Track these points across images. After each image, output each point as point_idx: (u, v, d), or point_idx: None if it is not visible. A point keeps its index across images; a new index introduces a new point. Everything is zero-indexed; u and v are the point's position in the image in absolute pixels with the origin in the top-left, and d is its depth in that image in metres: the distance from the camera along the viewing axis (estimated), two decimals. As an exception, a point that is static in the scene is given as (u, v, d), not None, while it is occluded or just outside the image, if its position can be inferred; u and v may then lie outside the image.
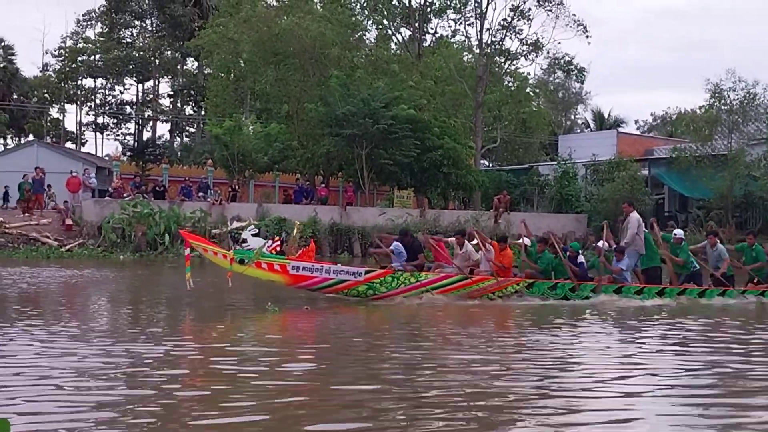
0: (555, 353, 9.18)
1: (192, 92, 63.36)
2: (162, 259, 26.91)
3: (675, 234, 16.13)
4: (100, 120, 67.74)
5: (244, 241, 14.00)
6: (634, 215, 16.15)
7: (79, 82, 65.76)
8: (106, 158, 47.83)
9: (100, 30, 65.58)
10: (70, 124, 68.77)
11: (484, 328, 11.60)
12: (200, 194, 33.11)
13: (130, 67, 63.65)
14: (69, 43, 65.50)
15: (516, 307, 13.92)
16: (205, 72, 56.79)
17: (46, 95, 65.12)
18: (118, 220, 28.26)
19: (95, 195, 32.88)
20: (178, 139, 66.90)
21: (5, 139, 64.33)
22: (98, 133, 68.07)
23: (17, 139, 63.20)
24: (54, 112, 65.95)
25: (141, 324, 11.46)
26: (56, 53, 65.86)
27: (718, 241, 16.41)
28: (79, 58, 64.11)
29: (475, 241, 15.88)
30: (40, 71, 66.22)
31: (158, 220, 28.55)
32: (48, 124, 63.30)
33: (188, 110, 67.27)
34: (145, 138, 62.87)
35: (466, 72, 45.59)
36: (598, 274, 15.57)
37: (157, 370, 7.55)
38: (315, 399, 6.48)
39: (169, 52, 64.43)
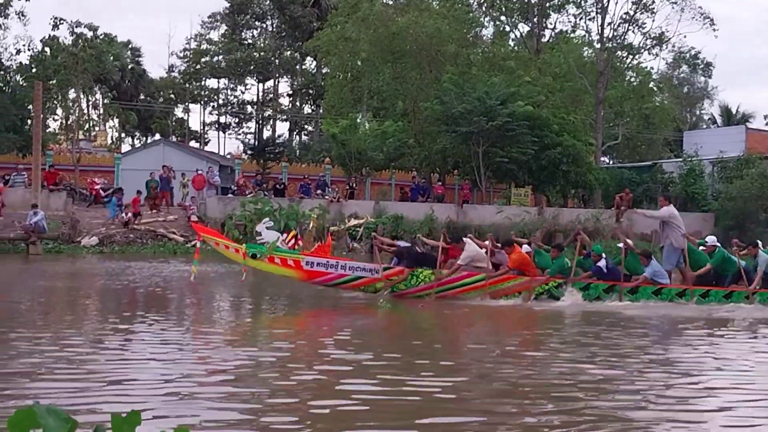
0: (705, 368, 8.30)
1: (310, 91, 64.34)
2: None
3: (707, 241, 15.36)
4: (222, 119, 69.67)
5: (259, 234, 13.87)
6: (667, 208, 15.55)
7: (203, 82, 67.79)
8: (228, 156, 49.21)
9: (223, 32, 67.42)
10: (194, 124, 71.16)
11: (599, 336, 10.87)
12: (318, 192, 33.60)
13: (251, 67, 65.14)
14: (193, 45, 67.69)
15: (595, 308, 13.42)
16: (323, 71, 57.56)
17: (172, 95, 67.39)
18: (240, 217, 28.97)
19: (218, 192, 33.79)
20: (297, 137, 68.06)
21: (133, 138, 67.04)
22: (221, 132, 70.08)
23: (144, 138, 65.69)
24: (179, 111, 68.25)
25: (262, 323, 11.60)
26: (181, 55, 68.18)
27: (760, 249, 15.41)
28: (203, 60, 66.08)
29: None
30: (166, 72, 68.67)
31: (278, 217, 29.08)
32: (173, 123, 65.47)
33: (307, 109, 68.35)
34: (265, 137, 64.29)
35: (586, 67, 44.54)
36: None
37: (278, 384, 7.11)
38: (458, 420, 5.84)
39: (288, 53, 65.60)
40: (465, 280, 14.13)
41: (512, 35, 47.80)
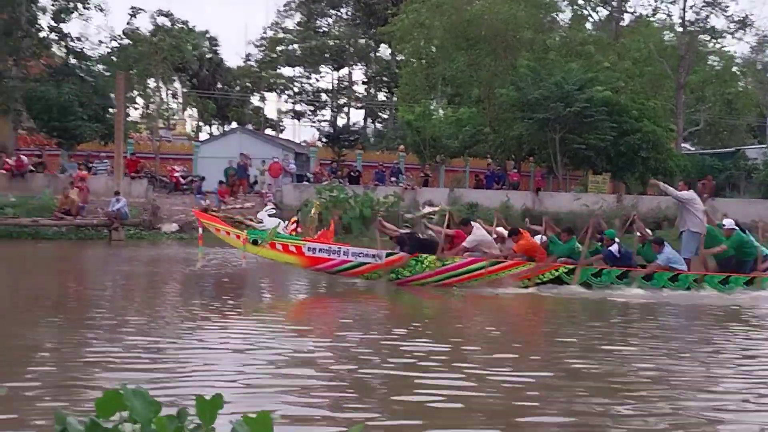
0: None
1: (385, 79, 64.33)
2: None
3: (724, 225, 14.71)
4: (297, 107, 70.23)
5: (260, 221, 13.73)
6: (687, 192, 15.23)
7: (279, 71, 68.37)
8: (303, 144, 49.54)
9: (298, 20, 67.88)
10: (270, 112, 71.78)
11: (689, 329, 10.53)
12: (393, 179, 33.66)
13: (326, 55, 65.44)
14: (269, 33, 68.29)
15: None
16: (398, 58, 57.47)
17: (248, 84, 68.20)
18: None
19: (294, 180, 34.10)
20: (372, 125, 68.16)
21: (211, 126, 68.09)
22: (296, 120, 70.68)
23: (222, 126, 66.64)
24: (255, 100, 69.01)
25: (335, 312, 11.61)
26: (257, 44, 68.91)
27: None
28: (279, 48, 66.66)
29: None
30: (243, 61, 69.50)
31: (353, 205, 29.20)
32: (250, 111, 66.24)
33: (381, 96, 68.37)
34: (340, 124, 64.58)
35: (667, 51, 43.46)
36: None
37: (354, 376, 6.91)
38: (546, 420, 5.60)
39: (363, 40, 65.67)
40: (468, 267, 13.63)
41: (590, 19, 46.97)
